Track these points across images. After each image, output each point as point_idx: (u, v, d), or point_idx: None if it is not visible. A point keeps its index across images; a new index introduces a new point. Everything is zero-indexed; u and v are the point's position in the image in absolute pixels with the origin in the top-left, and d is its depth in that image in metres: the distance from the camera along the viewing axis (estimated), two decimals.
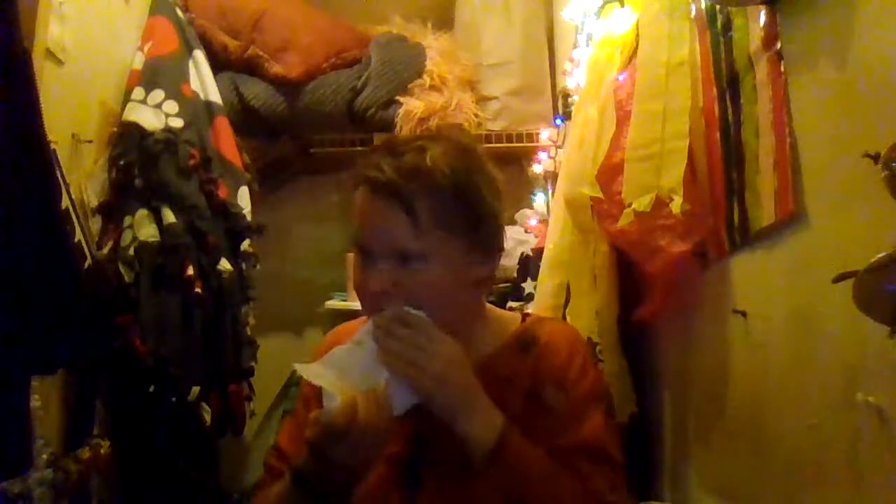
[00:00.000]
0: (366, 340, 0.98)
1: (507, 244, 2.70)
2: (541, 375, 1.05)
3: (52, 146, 1.41)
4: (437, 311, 1.00)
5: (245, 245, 2.39)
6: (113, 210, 2.11)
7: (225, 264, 2.24)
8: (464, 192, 0.98)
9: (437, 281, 0.99)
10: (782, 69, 1.02)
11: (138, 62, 2.28)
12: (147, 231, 2.07)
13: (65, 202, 1.62)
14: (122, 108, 2.21)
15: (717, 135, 1.25)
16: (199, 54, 2.47)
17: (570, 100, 2.12)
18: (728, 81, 1.21)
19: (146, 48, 2.30)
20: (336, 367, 0.97)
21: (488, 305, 1.15)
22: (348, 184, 1.03)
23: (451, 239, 0.98)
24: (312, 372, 0.98)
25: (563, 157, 2.13)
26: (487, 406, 0.98)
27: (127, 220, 2.08)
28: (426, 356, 0.95)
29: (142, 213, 2.09)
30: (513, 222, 2.80)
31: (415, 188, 0.95)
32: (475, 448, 0.96)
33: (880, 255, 0.71)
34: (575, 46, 2.09)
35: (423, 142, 0.99)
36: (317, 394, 1.15)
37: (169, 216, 2.11)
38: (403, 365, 0.95)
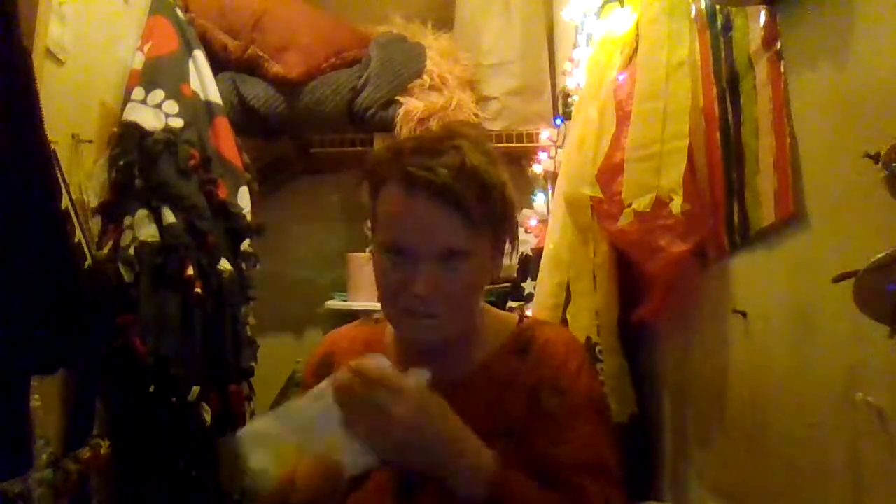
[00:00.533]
0: (326, 396, 0.94)
1: (518, 241, 2.70)
2: (538, 379, 1.05)
3: (52, 146, 1.41)
4: (463, 312, 1.03)
5: (245, 245, 2.38)
6: (113, 210, 2.10)
7: (225, 264, 2.24)
8: (499, 188, 1.00)
9: (473, 279, 1.01)
10: (782, 69, 1.01)
11: (138, 62, 2.28)
12: (147, 231, 2.07)
13: (65, 202, 1.62)
14: (122, 108, 2.21)
15: (717, 135, 1.25)
16: (199, 54, 2.47)
17: (570, 100, 2.12)
18: (728, 81, 1.21)
19: (146, 48, 2.30)
20: (290, 422, 0.95)
21: (485, 305, 1.15)
22: (370, 182, 1.02)
23: (492, 235, 1.01)
24: (252, 438, 0.96)
25: (563, 157, 2.13)
26: (469, 457, 0.94)
27: (127, 220, 2.08)
28: (386, 421, 0.90)
29: (142, 213, 2.09)
30: None
31: (465, 188, 0.96)
32: (466, 500, 0.94)
33: (880, 255, 0.70)
34: (575, 46, 2.09)
35: (455, 140, 0.99)
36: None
37: (169, 216, 2.11)
38: (364, 430, 0.92)
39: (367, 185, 1.04)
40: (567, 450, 1.01)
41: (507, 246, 1.08)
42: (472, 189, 0.96)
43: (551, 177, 2.42)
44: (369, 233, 1.08)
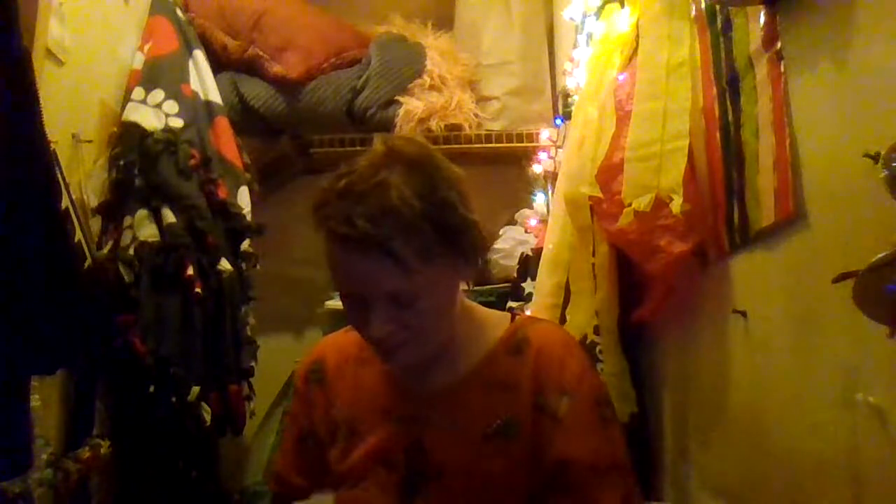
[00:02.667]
0: None
1: (507, 244, 2.71)
2: (541, 381, 1.03)
3: (52, 146, 1.41)
4: (437, 332, 1.01)
5: (245, 245, 2.38)
6: (113, 210, 2.10)
7: (225, 264, 2.24)
8: (438, 215, 0.94)
9: (435, 306, 0.98)
10: (782, 69, 1.02)
11: (138, 62, 2.28)
12: (147, 231, 2.07)
13: (65, 202, 1.62)
14: (122, 108, 2.21)
15: (717, 135, 1.25)
16: (199, 54, 2.47)
17: (570, 100, 2.12)
18: (728, 81, 1.21)
19: (146, 48, 2.30)
20: None
21: (473, 305, 1.13)
22: (314, 224, 0.97)
23: (437, 265, 0.95)
24: None
25: (563, 157, 2.13)
26: None
27: (127, 220, 2.08)
28: None
29: (142, 213, 2.09)
30: (513, 222, 2.80)
31: (390, 231, 0.91)
32: None
33: (880, 255, 0.70)
34: (575, 46, 2.09)
35: (383, 174, 0.93)
36: (306, 412, 1.15)
37: (169, 216, 2.11)
38: None
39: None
40: (579, 452, 1.00)
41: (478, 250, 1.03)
42: (398, 232, 0.91)
43: (551, 177, 2.42)
44: None
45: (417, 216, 0.92)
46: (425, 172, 0.96)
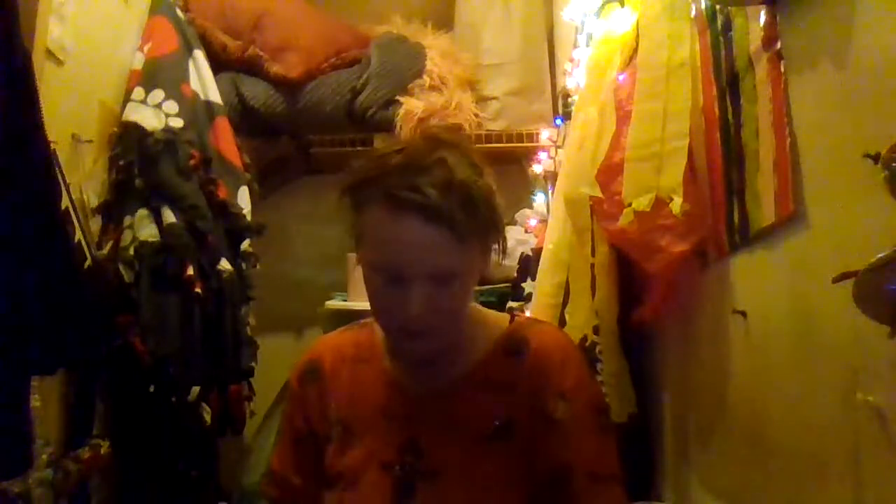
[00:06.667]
0: None
1: (507, 244, 2.71)
2: (540, 385, 1.04)
3: (52, 146, 1.41)
4: (457, 321, 1.02)
5: (245, 245, 2.39)
6: (113, 210, 2.11)
7: (225, 264, 2.24)
8: (486, 200, 0.96)
9: (465, 291, 1.00)
10: (782, 69, 1.01)
11: (138, 62, 2.28)
12: (147, 231, 2.07)
13: (65, 202, 1.62)
14: (122, 108, 2.21)
15: (717, 135, 1.25)
16: (199, 54, 2.47)
17: (570, 100, 2.12)
18: (728, 81, 1.21)
19: (146, 48, 2.30)
20: None
21: (474, 305, 1.13)
22: (352, 199, 0.99)
23: (478, 247, 0.98)
24: None
25: (563, 157, 2.13)
26: None
27: (127, 220, 2.09)
28: None
29: (142, 213, 2.09)
30: (513, 222, 2.80)
31: (454, 205, 0.92)
32: None
33: (880, 255, 0.70)
34: (575, 46, 2.09)
35: (440, 152, 0.95)
36: (302, 413, 1.15)
37: (169, 216, 2.11)
38: None
39: (349, 201, 1.00)
40: (579, 458, 1.00)
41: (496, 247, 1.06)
42: (461, 206, 0.92)
43: (551, 177, 2.42)
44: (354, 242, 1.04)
45: (476, 195, 0.94)
46: (473, 160, 0.98)
